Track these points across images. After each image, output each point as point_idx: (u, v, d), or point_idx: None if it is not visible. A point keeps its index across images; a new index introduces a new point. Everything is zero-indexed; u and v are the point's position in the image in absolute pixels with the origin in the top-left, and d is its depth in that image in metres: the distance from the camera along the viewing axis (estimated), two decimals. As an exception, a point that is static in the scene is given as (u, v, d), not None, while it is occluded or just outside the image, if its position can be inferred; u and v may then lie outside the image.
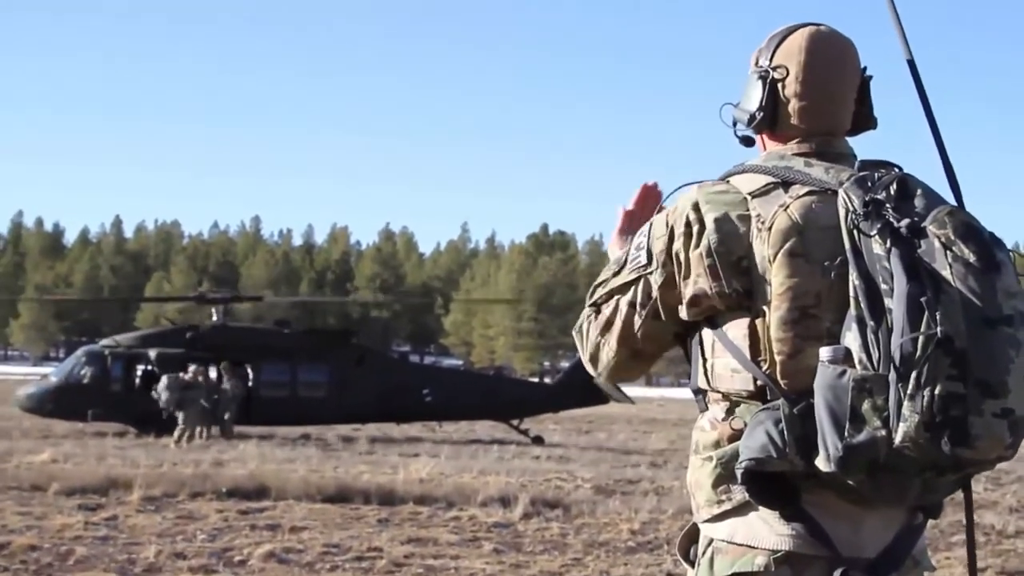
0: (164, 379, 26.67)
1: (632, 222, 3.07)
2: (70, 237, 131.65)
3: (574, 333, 2.99)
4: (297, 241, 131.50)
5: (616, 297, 2.86)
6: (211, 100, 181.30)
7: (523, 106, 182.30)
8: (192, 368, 26.89)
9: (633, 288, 2.82)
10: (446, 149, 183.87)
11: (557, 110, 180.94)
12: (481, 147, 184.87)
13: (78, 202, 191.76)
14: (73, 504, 13.58)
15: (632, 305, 2.82)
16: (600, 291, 2.91)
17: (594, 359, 2.92)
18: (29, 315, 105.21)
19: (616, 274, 2.88)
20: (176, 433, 25.27)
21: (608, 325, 2.86)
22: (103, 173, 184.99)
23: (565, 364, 64.10)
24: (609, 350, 2.87)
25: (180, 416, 25.70)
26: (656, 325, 2.81)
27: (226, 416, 27.24)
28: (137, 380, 29.16)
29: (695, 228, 2.70)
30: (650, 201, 3.12)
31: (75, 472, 16.10)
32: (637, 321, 2.82)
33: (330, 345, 31.04)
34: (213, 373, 28.15)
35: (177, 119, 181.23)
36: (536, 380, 51.48)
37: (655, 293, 2.78)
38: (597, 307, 2.91)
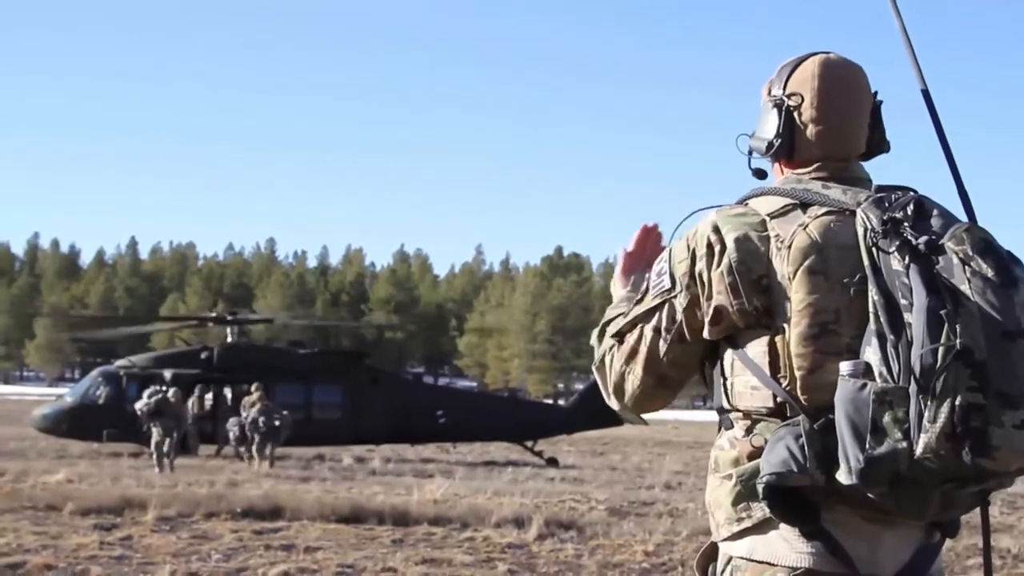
0: (148, 390, 25.42)
1: (633, 262, 3.13)
2: (86, 258, 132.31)
3: (594, 368, 3.01)
4: (312, 263, 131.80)
5: (640, 325, 2.88)
6: (226, 122, 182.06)
7: (537, 129, 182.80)
8: (171, 391, 24.84)
9: (657, 314, 2.84)
10: (461, 172, 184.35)
11: (571, 133, 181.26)
12: (496, 170, 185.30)
13: (94, 224, 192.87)
14: (88, 524, 13.60)
15: (657, 331, 2.84)
16: (620, 323, 2.93)
17: (618, 390, 2.93)
18: (45, 336, 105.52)
19: (639, 302, 2.90)
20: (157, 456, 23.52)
21: (633, 353, 2.88)
22: (119, 195, 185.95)
23: (579, 386, 64.06)
24: (635, 378, 2.89)
25: (154, 432, 23.77)
26: (681, 350, 2.83)
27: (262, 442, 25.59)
28: (152, 401, 29.23)
29: (716, 248, 2.73)
30: (650, 241, 3.17)
31: (90, 492, 16.12)
32: (662, 346, 2.84)
33: (344, 366, 31.10)
34: (230, 393, 28.17)
35: (192, 141, 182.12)
36: (550, 402, 51.28)
37: (680, 316, 2.81)
38: (620, 336, 2.92)
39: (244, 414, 26.10)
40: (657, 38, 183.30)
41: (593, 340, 3.03)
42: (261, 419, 25.46)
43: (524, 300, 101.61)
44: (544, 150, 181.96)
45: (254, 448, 25.37)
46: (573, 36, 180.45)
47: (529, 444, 29.79)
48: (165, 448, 23.47)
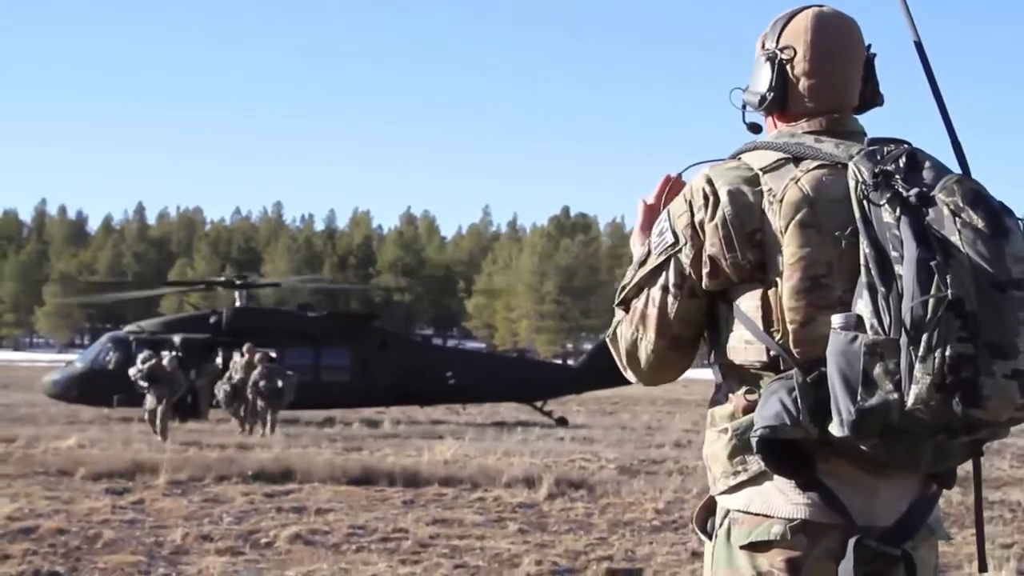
0: (141, 355, 24.24)
1: (654, 215, 3.01)
2: (93, 224, 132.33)
3: (607, 341, 2.99)
4: (319, 226, 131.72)
5: (646, 288, 2.86)
6: (233, 86, 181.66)
7: (543, 90, 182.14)
8: (165, 357, 23.78)
9: (664, 272, 2.83)
10: (467, 133, 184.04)
11: (578, 93, 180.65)
12: (502, 131, 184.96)
13: (101, 189, 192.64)
14: (100, 488, 13.67)
15: (665, 288, 2.83)
16: (627, 288, 2.91)
17: (631, 357, 2.91)
18: (54, 302, 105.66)
19: (642, 265, 2.88)
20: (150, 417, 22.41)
21: (643, 317, 2.86)
22: (126, 160, 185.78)
23: (588, 346, 64.04)
24: (647, 343, 2.87)
25: (148, 399, 22.64)
26: (692, 304, 2.82)
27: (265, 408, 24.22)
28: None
29: (711, 200, 2.74)
30: (672, 194, 3.01)
31: (102, 457, 16.19)
32: (672, 303, 2.82)
33: (353, 329, 31.11)
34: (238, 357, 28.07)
35: (199, 105, 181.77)
36: (559, 362, 51.38)
37: (687, 270, 2.80)
38: (627, 304, 2.91)
39: (235, 376, 25.09)
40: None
41: (616, 304, 2.99)
42: (263, 381, 24.10)
43: (531, 261, 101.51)
44: (551, 110, 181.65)
45: (259, 411, 24.28)
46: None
47: (538, 404, 29.84)
48: (159, 414, 22.24)
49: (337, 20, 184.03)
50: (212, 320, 30.06)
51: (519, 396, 30.33)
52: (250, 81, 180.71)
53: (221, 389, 25.47)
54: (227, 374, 25.57)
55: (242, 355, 25.74)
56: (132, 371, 23.89)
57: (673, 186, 3.09)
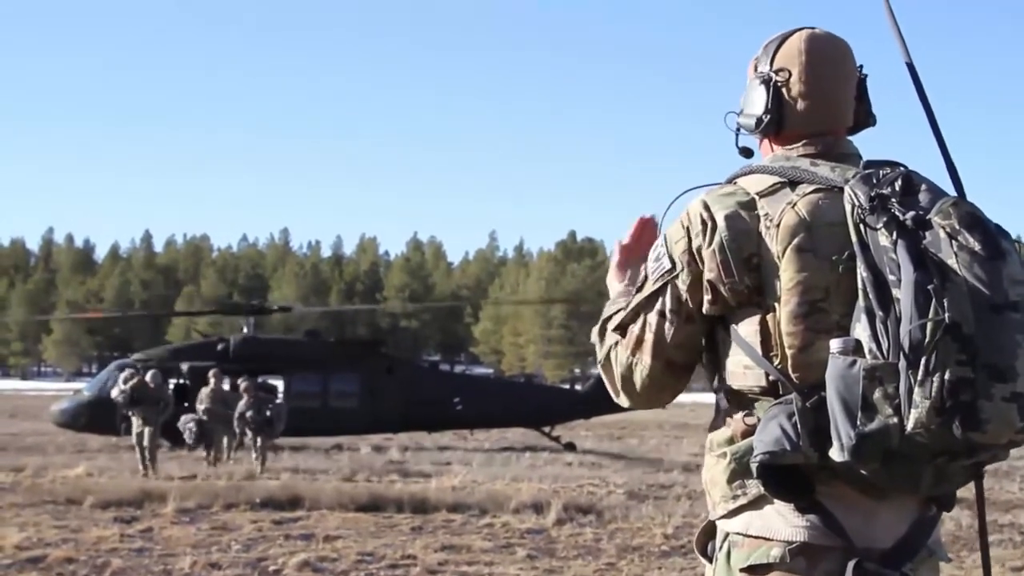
0: (123, 374, 22.85)
1: (629, 255, 3.11)
2: (100, 252, 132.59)
3: (599, 367, 3.01)
4: (326, 252, 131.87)
5: (643, 313, 2.87)
6: (238, 112, 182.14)
7: (550, 114, 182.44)
8: (149, 374, 21.88)
9: (660, 298, 2.84)
10: (473, 158, 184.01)
11: (584, 117, 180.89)
12: (508, 155, 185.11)
13: (108, 217, 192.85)
14: (108, 517, 13.69)
15: (662, 314, 2.83)
16: (621, 315, 2.92)
17: (627, 382, 2.93)
18: (61, 331, 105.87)
19: (639, 290, 2.89)
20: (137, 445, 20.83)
21: (639, 342, 2.87)
22: (132, 188, 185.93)
23: (595, 370, 63.94)
24: (643, 367, 2.88)
25: (134, 421, 21.04)
26: (688, 330, 2.83)
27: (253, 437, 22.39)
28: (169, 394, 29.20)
29: (709, 225, 2.75)
30: (646, 235, 3.12)
31: (110, 485, 16.22)
32: (669, 329, 2.83)
33: (360, 355, 31.09)
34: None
35: (205, 132, 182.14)
36: (567, 387, 51.35)
37: (684, 296, 2.80)
38: (623, 329, 2.92)
39: (200, 406, 23.25)
40: (673, 22, 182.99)
41: (594, 337, 3.03)
42: (250, 412, 22.16)
43: (539, 286, 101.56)
44: (556, 134, 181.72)
45: (247, 443, 22.63)
46: (586, 20, 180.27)
47: (546, 429, 29.82)
48: (146, 441, 20.57)
49: (343, 46, 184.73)
50: (219, 348, 30.04)
51: (527, 421, 30.30)
52: (255, 107, 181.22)
53: (186, 426, 23.79)
54: (197, 404, 23.62)
55: (207, 383, 23.99)
56: (115, 392, 22.28)
57: (647, 227, 3.14)
